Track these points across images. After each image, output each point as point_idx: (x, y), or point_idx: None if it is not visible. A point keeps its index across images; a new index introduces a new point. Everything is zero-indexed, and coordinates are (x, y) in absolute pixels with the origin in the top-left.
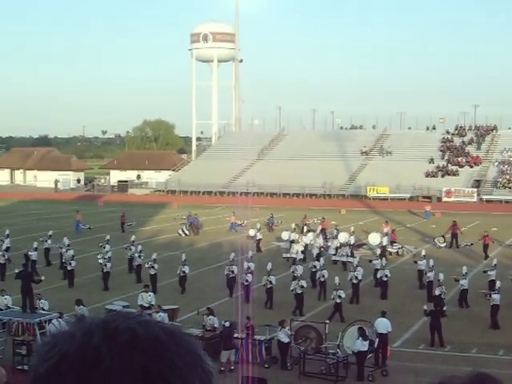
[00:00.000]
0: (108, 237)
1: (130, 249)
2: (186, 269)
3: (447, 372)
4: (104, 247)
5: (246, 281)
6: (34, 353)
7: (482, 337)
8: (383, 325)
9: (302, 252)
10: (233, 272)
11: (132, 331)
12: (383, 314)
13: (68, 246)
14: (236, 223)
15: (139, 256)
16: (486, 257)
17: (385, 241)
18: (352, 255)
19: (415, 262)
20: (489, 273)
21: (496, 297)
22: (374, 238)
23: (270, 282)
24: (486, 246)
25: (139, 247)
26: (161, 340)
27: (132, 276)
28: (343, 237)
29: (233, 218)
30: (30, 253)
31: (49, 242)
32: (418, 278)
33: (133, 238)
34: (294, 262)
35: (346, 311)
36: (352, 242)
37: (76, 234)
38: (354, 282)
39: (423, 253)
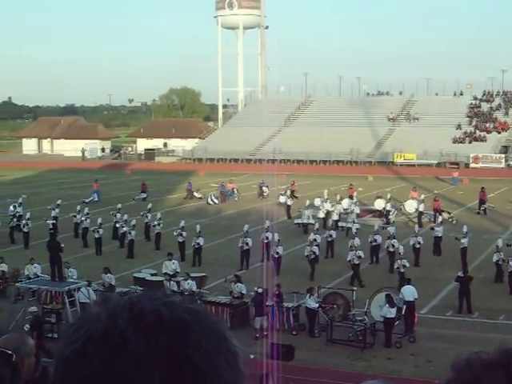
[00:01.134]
0: (119, 205)
1: (147, 216)
2: (201, 240)
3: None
4: (115, 215)
5: (277, 253)
6: (60, 335)
7: (510, 304)
8: (409, 292)
9: (323, 219)
10: (247, 244)
11: (157, 313)
12: (408, 282)
13: (87, 214)
14: (232, 190)
15: (158, 224)
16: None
17: (421, 207)
18: (388, 222)
19: (432, 229)
20: (461, 240)
21: None
22: (411, 205)
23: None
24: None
25: (158, 215)
26: (186, 321)
27: (152, 244)
28: (346, 203)
29: (229, 185)
30: (48, 221)
31: (56, 210)
32: (433, 244)
33: (149, 205)
34: (307, 229)
35: (372, 278)
36: (389, 209)
37: (98, 203)
38: (391, 249)
39: (440, 219)
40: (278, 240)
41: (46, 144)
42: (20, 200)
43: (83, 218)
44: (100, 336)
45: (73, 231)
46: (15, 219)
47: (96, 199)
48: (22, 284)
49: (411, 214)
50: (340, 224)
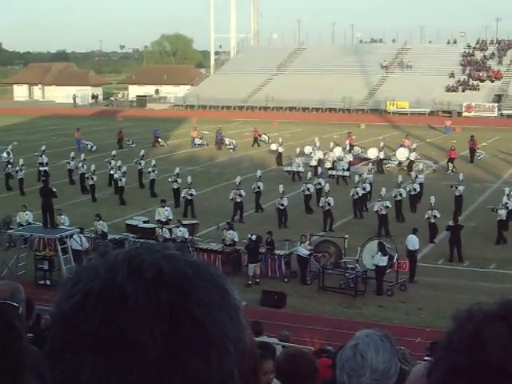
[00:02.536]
0: (114, 152)
1: (140, 163)
2: (193, 191)
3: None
4: (110, 162)
5: (282, 205)
6: (58, 289)
7: (501, 252)
8: (412, 241)
9: (315, 167)
10: (240, 196)
11: (157, 266)
12: (414, 232)
13: (84, 160)
14: (195, 138)
15: (153, 171)
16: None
17: (412, 155)
18: (382, 172)
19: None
20: (458, 188)
21: (502, 212)
22: (402, 154)
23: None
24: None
25: (152, 162)
26: (187, 275)
27: (146, 191)
28: (338, 151)
29: (193, 132)
30: (40, 168)
31: (43, 156)
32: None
33: (142, 152)
34: (296, 177)
35: (360, 226)
36: (382, 157)
37: (78, 151)
38: (398, 198)
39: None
40: (283, 192)
41: (37, 90)
42: (10, 147)
43: (80, 165)
44: (99, 290)
45: (67, 177)
46: (10, 166)
47: (93, 148)
48: (14, 231)
49: (402, 163)
50: (330, 172)
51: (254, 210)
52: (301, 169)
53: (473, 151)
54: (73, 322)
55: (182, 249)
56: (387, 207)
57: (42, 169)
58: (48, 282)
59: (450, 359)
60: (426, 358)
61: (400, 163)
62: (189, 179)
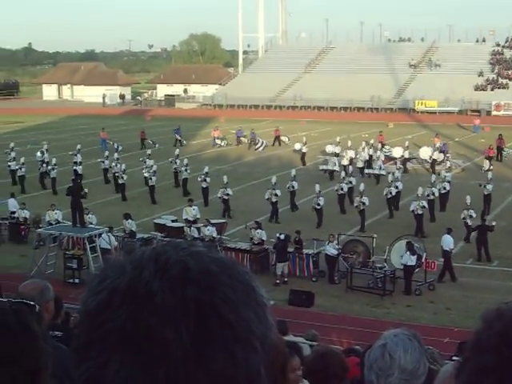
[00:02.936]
0: (149, 151)
1: (175, 162)
2: (229, 191)
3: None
4: (145, 162)
5: (318, 204)
6: (84, 286)
7: None
8: (446, 241)
9: (346, 166)
10: (276, 195)
11: (183, 263)
12: (449, 231)
13: (117, 159)
14: (215, 138)
15: (185, 170)
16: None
17: (435, 155)
18: (405, 171)
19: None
20: (487, 187)
21: None
22: (425, 152)
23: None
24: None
25: (185, 161)
26: (213, 272)
27: (179, 190)
28: (370, 150)
29: (214, 132)
30: (74, 167)
31: (78, 156)
32: None
33: (177, 151)
34: (332, 176)
35: (389, 225)
36: (406, 156)
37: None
38: (431, 197)
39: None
40: (319, 191)
41: (66, 90)
42: (45, 146)
43: (114, 164)
44: (125, 288)
45: (102, 176)
46: (44, 165)
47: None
48: (43, 230)
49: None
50: (367, 171)
51: (290, 208)
52: (336, 168)
53: (500, 150)
54: (99, 318)
55: (208, 247)
56: (424, 207)
57: (75, 168)
58: (77, 281)
59: (477, 359)
60: (454, 357)
61: (425, 162)
62: (225, 179)
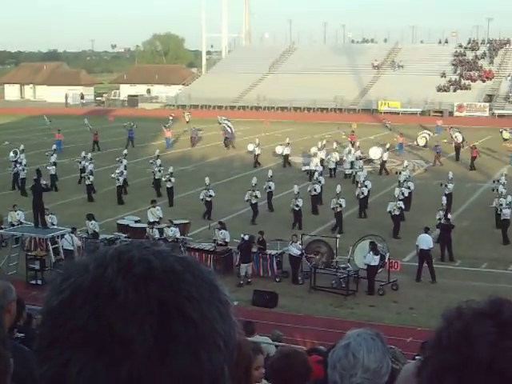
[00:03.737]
0: (125, 151)
1: (155, 163)
2: (212, 192)
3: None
4: (121, 161)
5: (297, 206)
6: (47, 285)
7: (493, 252)
8: (425, 240)
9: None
10: (256, 197)
11: (147, 262)
12: (426, 231)
13: (91, 159)
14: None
15: (159, 170)
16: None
17: (385, 156)
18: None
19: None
20: (448, 186)
21: (507, 212)
22: (375, 152)
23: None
24: (473, 158)
25: (158, 161)
26: (176, 271)
27: (145, 191)
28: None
29: (167, 132)
30: (48, 167)
31: (54, 156)
32: None
33: (157, 152)
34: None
35: (356, 225)
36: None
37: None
38: (361, 197)
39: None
40: (298, 192)
41: (28, 90)
42: (22, 147)
43: (87, 164)
44: (88, 286)
45: (77, 176)
46: (18, 165)
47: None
48: (5, 231)
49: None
50: (346, 172)
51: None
52: (318, 168)
53: (473, 159)
54: (61, 317)
55: (172, 247)
56: (400, 208)
57: (49, 168)
58: (39, 282)
59: (438, 357)
60: (417, 357)
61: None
62: (207, 180)
